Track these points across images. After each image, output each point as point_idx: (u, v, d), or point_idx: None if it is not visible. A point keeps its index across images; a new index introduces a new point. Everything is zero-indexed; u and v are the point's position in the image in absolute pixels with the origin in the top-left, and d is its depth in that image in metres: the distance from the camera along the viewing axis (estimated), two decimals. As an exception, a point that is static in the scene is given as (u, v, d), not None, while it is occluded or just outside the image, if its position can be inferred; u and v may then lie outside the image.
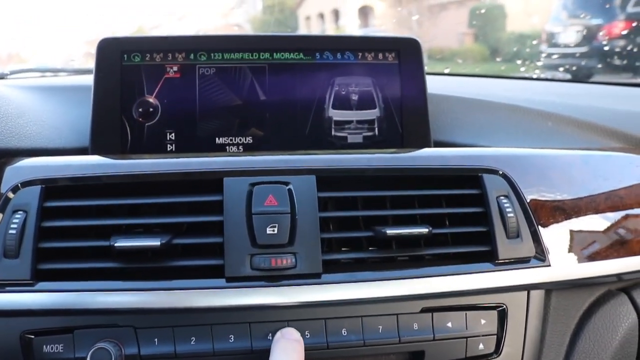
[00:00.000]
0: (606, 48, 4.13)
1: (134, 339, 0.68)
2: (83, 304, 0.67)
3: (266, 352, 0.68)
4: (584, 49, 4.52)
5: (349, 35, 0.97)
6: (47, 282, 0.67)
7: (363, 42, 0.95)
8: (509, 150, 0.83)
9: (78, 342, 0.67)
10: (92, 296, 0.67)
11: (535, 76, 1.97)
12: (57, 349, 0.67)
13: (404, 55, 0.95)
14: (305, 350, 0.69)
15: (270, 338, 0.69)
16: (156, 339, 0.68)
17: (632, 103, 1.18)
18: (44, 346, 0.67)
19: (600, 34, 4.58)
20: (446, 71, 1.44)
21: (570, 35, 4.78)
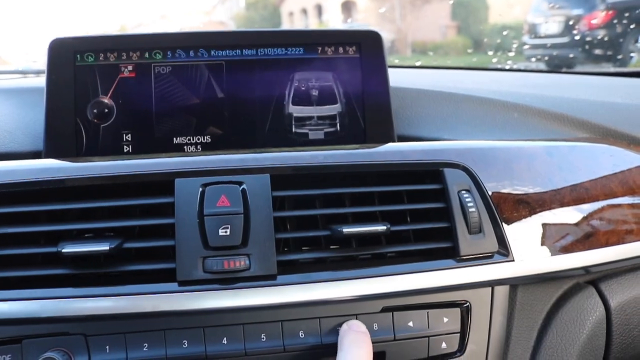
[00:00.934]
0: (587, 38, 4.14)
1: (85, 347, 0.66)
2: (31, 312, 0.65)
3: (218, 357, 0.66)
4: (565, 40, 4.54)
5: (308, 29, 0.95)
6: None
7: (322, 36, 0.93)
8: (471, 143, 0.81)
9: (26, 352, 0.66)
10: (40, 304, 0.65)
11: (507, 67, 1.96)
12: None
13: (365, 48, 0.93)
14: (261, 354, 0.67)
15: (225, 342, 0.67)
16: (107, 347, 0.66)
17: (603, 93, 1.17)
18: None
19: (581, 24, 4.60)
20: (417, 64, 1.42)
21: (551, 26, 4.80)
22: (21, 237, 0.68)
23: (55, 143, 0.86)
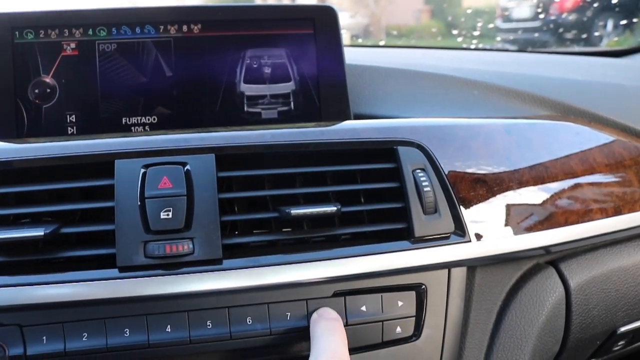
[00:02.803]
0: (558, 22, 4.16)
1: (20, 338, 0.63)
2: None
3: (162, 346, 0.63)
4: (536, 23, 4.55)
5: (260, 4, 0.91)
6: None
7: (275, 10, 0.89)
8: (427, 121, 0.79)
9: None
10: None
11: (472, 47, 1.94)
12: None
13: (320, 24, 0.89)
14: (206, 342, 0.64)
15: (169, 330, 0.64)
16: (44, 337, 0.63)
17: (564, 70, 1.15)
18: None
19: (552, 8, 4.61)
20: (381, 44, 1.40)
21: (523, 10, 4.81)
22: None
23: (-5, 125, 0.82)
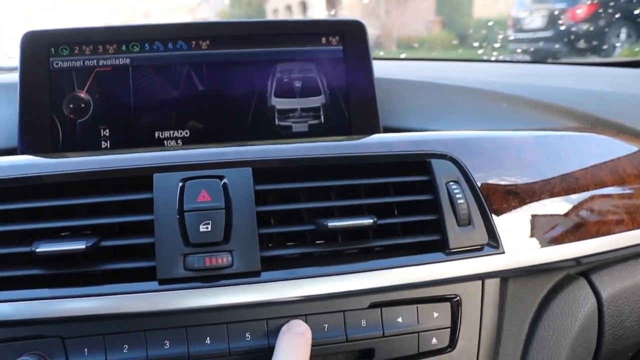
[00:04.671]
0: (571, 31, 4.16)
1: (62, 350, 0.63)
2: (4, 315, 0.62)
3: (201, 357, 0.64)
4: (549, 33, 4.55)
5: (290, 20, 0.92)
6: None
7: (304, 26, 0.91)
8: (458, 134, 0.79)
9: (0, 356, 0.63)
10: (14, 306, 0.62)
11: (493, 58, 1.94)
12: None
13: (349, 38, 0.90)
14: (245, 354, 0.65)
15: (209, 342, 0.65)
16: (86, 349, 0.64)
17: (590, 82, 1.15)
18: None
19: (565, 17, 4.61)
20: (402, 56, 1.41)
21: (535, 20, 4.81)
22: None
23: (31, 139, 0.84)
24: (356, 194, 0.73)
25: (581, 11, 4.27)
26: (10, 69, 1.21)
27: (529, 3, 4.98)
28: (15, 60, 1.02)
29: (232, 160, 0.69)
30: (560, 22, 4.45)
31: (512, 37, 4.48)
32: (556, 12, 4.63)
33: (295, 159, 0.71)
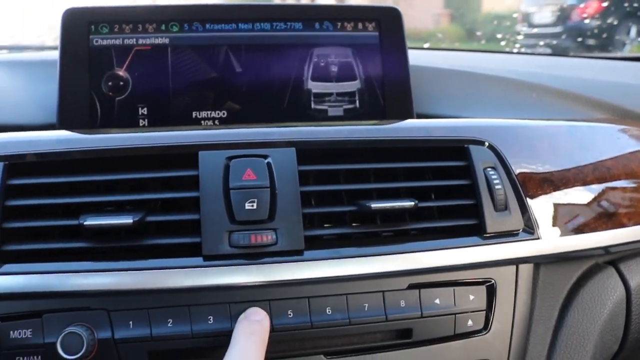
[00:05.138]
0: (580, 27, 4.15)
1: (107, 323, 0.64)
2: (52, 286, 0.63)
3: None
4: (558, 29, 4.54)
5: (328, 4, 0.93)
6: (12, 264, 0.63)
7: (341, 10, 0.91)
8: (495, 121, 0.80)
9: (47, 326, 0.63)
10: (61, 278, 0.63)
11: (515, 50, 1.95)
12: (25, 335, 0.63)
13: (385, 24, 0.91)
14: (288, 330, 0.66)
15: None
16: (131, 322, 0.64)
17: (613, 75, 1.16)
18: (11, 332, 0.63)
19: (574, 13, 4.60)
20: (425, 46, 1.41)
21: (545, 15, 4.80)
22: (40, 209, 0.67)
23: (69, 116, 0.84)
24: (393, 178, 0.74)
25: (591, 8, 4.27)
26: (38, 48, 1.22)
27: (539, -2, 4.98)
28: (43, 39, 1.03)
29: (277, 140, 0.70)
30: (570, 18, 4.45)
31: (522, 32, 4.48)
32: (566, 8, 4.63)
33: (339, 140, 0.72)
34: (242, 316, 0.65)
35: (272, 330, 0.65)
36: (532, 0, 5.07)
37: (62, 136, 0.71)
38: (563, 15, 4.55)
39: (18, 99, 0.89)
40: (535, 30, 4.58)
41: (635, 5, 3.68)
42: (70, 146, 0.68)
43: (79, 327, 0.63)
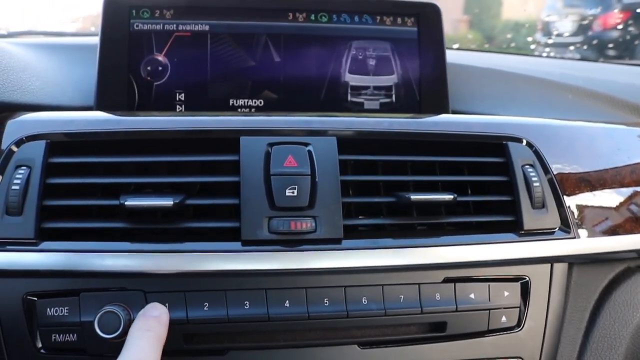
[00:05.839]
0: (602, 38, 4.13)
1: (144, 304, 0.64)
2: (90, 265, 0.63)
3: (280, 320, 0.65)
4: (579, 39, 4.52)
5: (369, -1, 0.93)
6: (51, 241, 0.64)
7: (381, 5, 0.91)
8: (533, 120, 0.80)
9: (84, 305, 0.64)
10: (99, 258, 0.63)
11: (545, 54, 1.94)
12: (62, 312, 0.63)
13: (424, 20, 0.91)
14: (323, 319, 0.66)
15: (288, 305, 0.66)
16: (167, 304, 0.64)
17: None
18: (48, 309, 0.63)
19: (596, 24, 4.57)
20: (455, 47, 1.41)
21: (566, 24, 4.77)
22: (80, 188, 0.67)
23: (107, 98, 0.85)
24: (430, 171, 0.74)
25: (612, 19, 4.24)
26: (72, 34, 1.22)
27: (561, 7, 4.96)
28: (77, 24, 1.03)
29: (318, 128, 0.70)
30: (591, 28, 4.43)
31: (542, 42, 4.45)
32: (588, 19, 4.61)
33: (380, 131, 0.71)
34: (140, 312, 0.62)
35: (309, 317, 0.65)
36: (554, 9, 5.04)
37: (104, 117, 0.71)
38: (584, 25, 4.52)
39: (58, 81, 0.89)
40: (556, 40, 4.56)
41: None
42: (111, 127, 0.69)
43: (116, 306, 0.62)
